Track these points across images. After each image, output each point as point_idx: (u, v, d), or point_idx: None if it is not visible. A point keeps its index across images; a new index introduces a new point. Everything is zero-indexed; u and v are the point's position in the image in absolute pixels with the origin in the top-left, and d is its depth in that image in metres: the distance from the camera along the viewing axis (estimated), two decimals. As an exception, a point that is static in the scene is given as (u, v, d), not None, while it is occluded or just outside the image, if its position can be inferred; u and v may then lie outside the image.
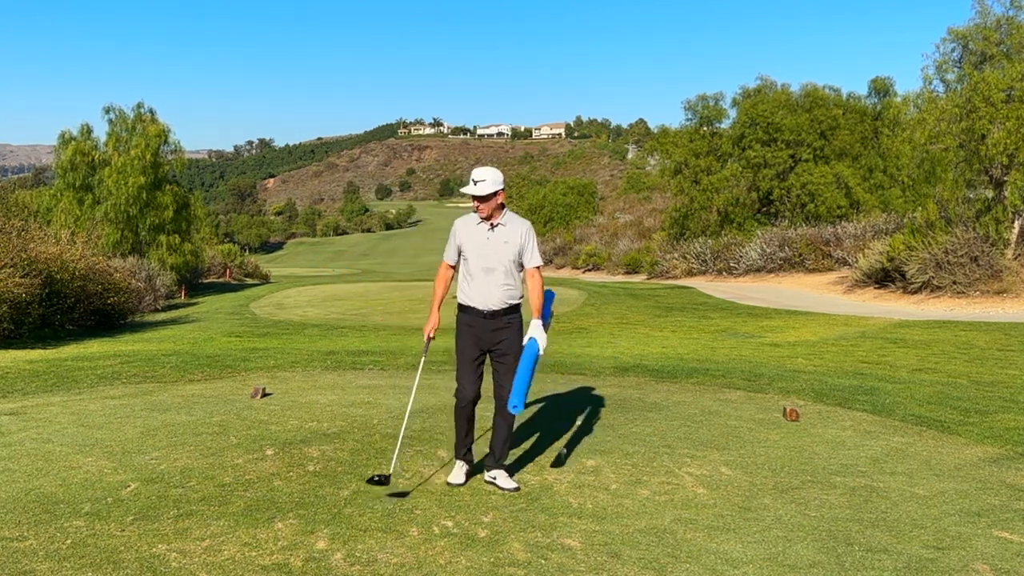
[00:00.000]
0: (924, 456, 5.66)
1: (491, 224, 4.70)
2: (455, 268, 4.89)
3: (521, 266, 4.78)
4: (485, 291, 4.71)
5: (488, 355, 4.82)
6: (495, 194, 4.63)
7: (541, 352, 4.71)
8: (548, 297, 5.08)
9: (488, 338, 4.75)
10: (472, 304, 4.75)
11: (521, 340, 4.76)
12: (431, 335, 4.89)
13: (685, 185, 39.03)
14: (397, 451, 5.10)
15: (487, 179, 4.60)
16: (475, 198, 4.65)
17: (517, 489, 4.72)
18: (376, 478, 4.76)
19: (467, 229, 4.79)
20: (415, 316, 19.59)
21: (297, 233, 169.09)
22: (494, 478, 4.84)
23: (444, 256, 4.90)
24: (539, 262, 4.78)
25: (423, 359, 5.29)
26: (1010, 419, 6.85)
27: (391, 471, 4.90)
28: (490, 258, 4.69)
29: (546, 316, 4.99)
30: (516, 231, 4.71)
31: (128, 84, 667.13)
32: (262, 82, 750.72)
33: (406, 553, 3.79)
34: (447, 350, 11.47)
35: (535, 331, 4.73)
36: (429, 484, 4.81)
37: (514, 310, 4.78)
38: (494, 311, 4.72)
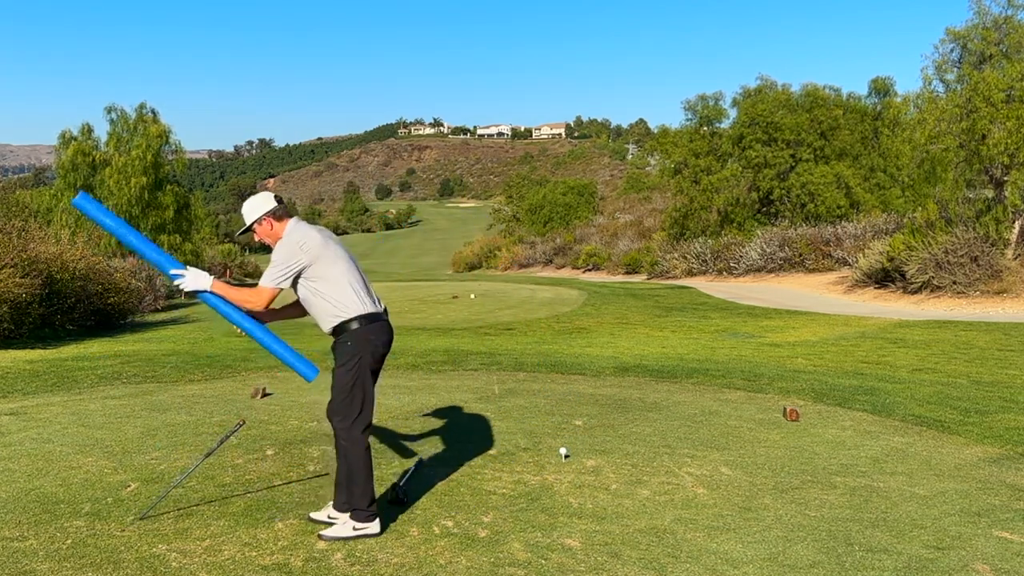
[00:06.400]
0: (924, 456, 5.66)
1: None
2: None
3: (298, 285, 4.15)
4: None
5: None
6: (257, 223, 4.12)
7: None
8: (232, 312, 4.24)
9: None
10: None
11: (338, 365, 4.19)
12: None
13: (685, 185, 39.01)
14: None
15: (243, 211, 4.19)
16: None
17: (332, 540, 3.92)
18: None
19: None
20: (415, 316, 19.60)
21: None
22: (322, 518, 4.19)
23: None
24: (266, 283, 4.04)
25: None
26: (1010, 419, 6.85)
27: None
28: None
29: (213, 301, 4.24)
30: None
31: (128, 84, 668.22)
32: (262, 82, 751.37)
33: (406, 553, 3.79)
34: (447, 351, 11.52)
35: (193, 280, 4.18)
36: (429, 484, 4.81)
37: (334, 332, 4.31)
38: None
